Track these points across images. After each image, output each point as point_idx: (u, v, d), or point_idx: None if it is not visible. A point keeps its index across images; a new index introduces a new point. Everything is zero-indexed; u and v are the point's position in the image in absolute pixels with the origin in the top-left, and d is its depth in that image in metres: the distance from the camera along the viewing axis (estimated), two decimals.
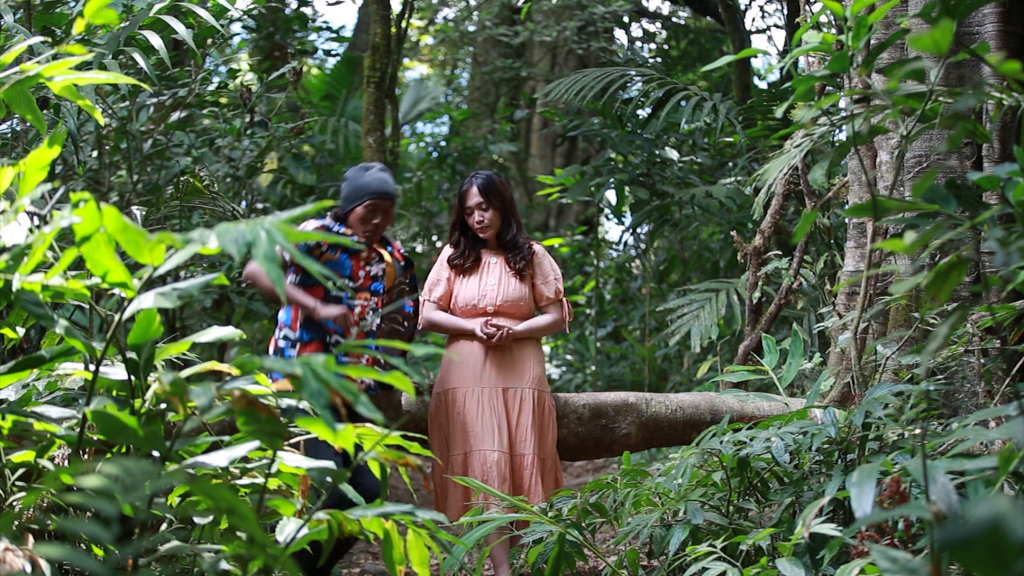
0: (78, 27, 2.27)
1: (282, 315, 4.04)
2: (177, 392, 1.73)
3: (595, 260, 10.99)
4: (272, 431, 1.75)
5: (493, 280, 4.41)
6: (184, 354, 2.64)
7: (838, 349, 4.31)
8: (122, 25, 3.66)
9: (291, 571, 1.83)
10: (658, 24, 14.28)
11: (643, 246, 9.96)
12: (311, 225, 3.97)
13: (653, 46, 14.00)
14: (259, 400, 1.76)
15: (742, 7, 11.45)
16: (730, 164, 8.06)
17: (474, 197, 4.42)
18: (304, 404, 2.46)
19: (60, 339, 2.39)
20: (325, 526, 2.01)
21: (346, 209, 4.03)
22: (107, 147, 5.12)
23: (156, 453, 1.87)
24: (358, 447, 2.18)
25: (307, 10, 10.96)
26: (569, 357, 10.58)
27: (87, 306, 2.19)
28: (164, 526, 2.24)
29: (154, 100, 5.18)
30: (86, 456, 2.27)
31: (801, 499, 3.15)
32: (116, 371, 2.04)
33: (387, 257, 4.17)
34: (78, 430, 2.05)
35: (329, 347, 3.92)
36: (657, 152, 7.85)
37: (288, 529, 1.99)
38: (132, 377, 1.99)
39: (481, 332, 4.33)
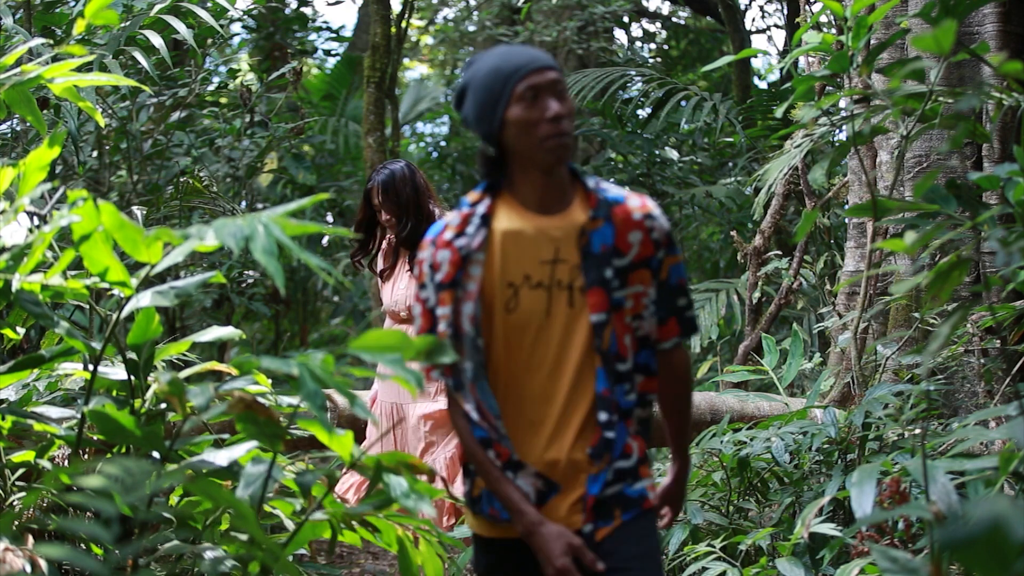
0: (79, 27, 2.27)
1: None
2: (176, 392, 1.73)
3: None
4: (272, 433, 1.75)
5: (402, 284, 4.01)
6: (184, 354, 2.64)
7: (838, 349, 4.31)
8: (122, 25, 3.66)
9: (291, 572, 1.83)
10: (658, 24, 14.27)
11: None
12: (450, 218, 2.14)
13: (653, 46, 13.99)
14: (257, 401, 1.75)
15: (742, 7, 11.45)
16: (730, 164, 8.07)
17: (375, 196, 4.02)
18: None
19: (60, 339, 2.39)
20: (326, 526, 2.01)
21: (488, 133, 2.07)
22: (107, 147, 5.12)
23: (156, 453, 1.87)
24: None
25: (307, 10, 10.96)
26: None
27: (87, 306, 2.19)
28: (163, 527, 2.24)
29: (154, 100, 5.18)
30: (86, 456, 2.27)
31: (801, 499, 3.15)
32: (116, 371, 2.03)
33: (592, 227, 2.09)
34: (78, 430, 2.04)
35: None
36: (657, 152, 7.86)
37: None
38: (132, 377, 1.99)
39: None
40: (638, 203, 2.11)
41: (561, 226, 2.09)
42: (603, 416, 2.04)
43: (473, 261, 2.08)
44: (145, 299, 1.82)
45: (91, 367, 1.96)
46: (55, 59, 2.38)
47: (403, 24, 9.57)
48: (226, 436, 2.10)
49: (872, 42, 3.98)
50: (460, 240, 2.08)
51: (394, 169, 4.04)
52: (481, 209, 2.11)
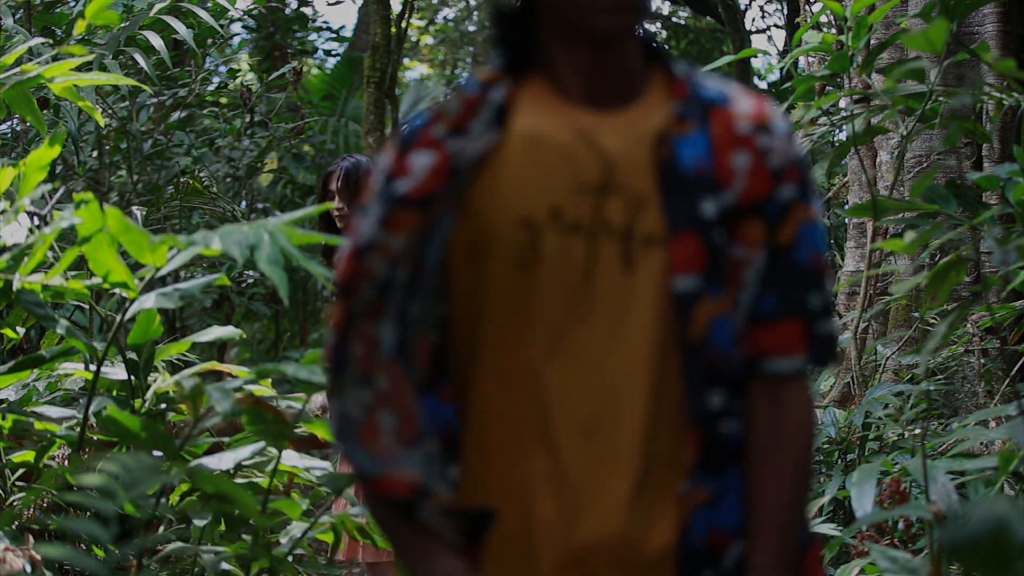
0: (79, 28, 2.27)
1: None
2: (194, 396, 1.73)
3: None
4: (278, 431, 1.75)
5: None
6: (184, 354, 2.65)
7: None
8: (122, 25, 3.66)
9: (290, 572, 1.83)
10: (658, 24, 14.28)
11: None
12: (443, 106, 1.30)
13: None
14: (264, 400, 1.76)
15: (742, 7, 11.46)
16: None
17: (333, 181, 3.83)
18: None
19: (60, 339, 2.39)
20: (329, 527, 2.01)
21: None
22: (107, 147, 5.12)
23: (157, 453, 1.88)
24: None
25: (307, 10, 10.98)
26: None
27: (87, 306, 2.19)
28: (163, 527, 2.25)
29: (154, 100, 5.18)
30: (86, 456, 2.27)
31: None
32: (116, 371, 2.04)
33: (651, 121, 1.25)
34: (78, 430, 2.05)
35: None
36: None
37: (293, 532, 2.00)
38: (132, 377, 2.00)
39: None
40: (750, 106, 1.25)
41: (620, 130, 1.23)
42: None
43: (469, 178, 1.23)
44: (149, 301, 1.83)
45: (93, 367, 1.97)
46: (55, 59, 2.38)
47: (403, 24, 9.57)
48: (225, 439, 2.10)
49: (872, 42, 3.98)
50: (456, 141, 1.23)
51: (361, 160, 3.91)
52: (497, 96, 1.25)
